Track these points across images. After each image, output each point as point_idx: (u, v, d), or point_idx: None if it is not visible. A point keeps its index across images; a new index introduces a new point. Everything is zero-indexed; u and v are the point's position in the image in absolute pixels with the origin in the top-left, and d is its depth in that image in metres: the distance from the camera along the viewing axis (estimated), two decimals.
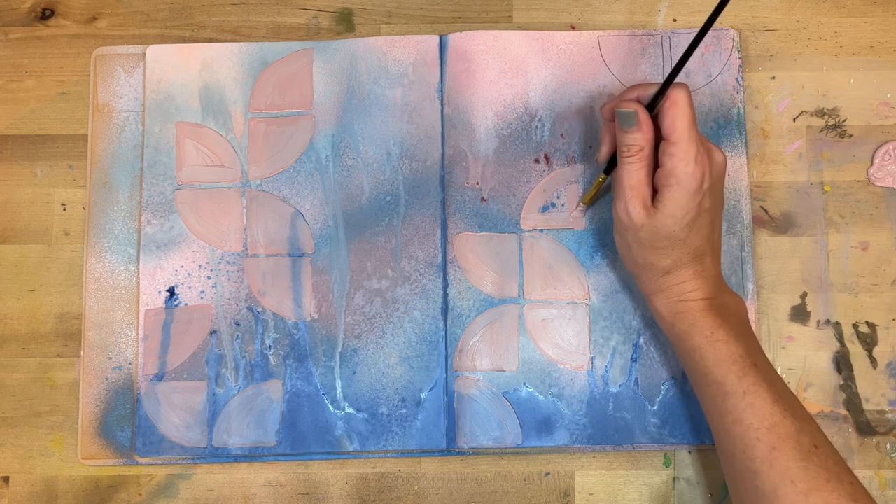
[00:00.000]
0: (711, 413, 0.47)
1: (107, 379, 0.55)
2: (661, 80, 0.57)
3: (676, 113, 0.46)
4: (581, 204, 0.55)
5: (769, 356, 0.55)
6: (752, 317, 0.55)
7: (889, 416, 0.55)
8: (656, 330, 0.55)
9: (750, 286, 0.55)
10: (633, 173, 0.48)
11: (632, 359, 0.54)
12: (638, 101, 0.49)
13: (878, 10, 0.59)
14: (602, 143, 0.52)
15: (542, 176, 0.56)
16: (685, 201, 0.46)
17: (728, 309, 0.49)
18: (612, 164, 0.52)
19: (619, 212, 0.48)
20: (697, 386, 0.49)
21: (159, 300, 0.56)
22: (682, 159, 0.46)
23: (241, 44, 0.58)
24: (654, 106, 0.47)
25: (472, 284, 0.55)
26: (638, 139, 0.47)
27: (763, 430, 0.45)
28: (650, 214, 0.47)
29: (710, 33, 0.57)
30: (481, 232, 0.56)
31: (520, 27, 0.59)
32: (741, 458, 0.45)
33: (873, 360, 0.56)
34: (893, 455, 0.55)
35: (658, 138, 0.48)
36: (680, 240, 0.47)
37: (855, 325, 0.56)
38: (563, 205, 0.56)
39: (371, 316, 0.55)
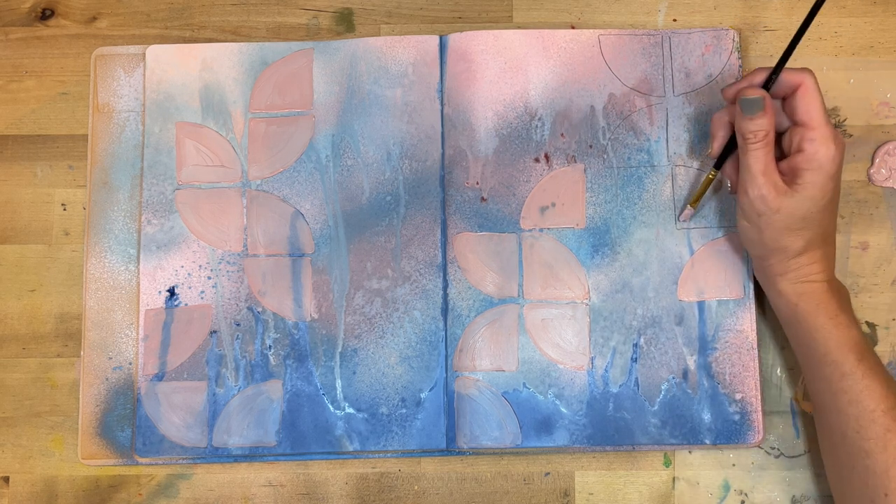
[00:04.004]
0: (824, 392, 0.49)
1: (107, 379, 0.55)
2: (661, 79, 0.57)
3: (811, 99, 0.48)
4: (689, 207, 0.55)
5: (769, 356, 0.55)
6: (752, 316, 0.55)
7: None
8: (656, 330, 0.55)
9: (750, 286, 0.55)
10: (761, 158, 0.48)
11: (632, 359, 0.54)
12: (760, 84, 0.49)
13: (878, 10, 0.59)
14: (714, 137, 0.52)
15: (542, 175, 0.56)
16: (825, 183, 0.48)
17: (842, 292, 0.51)
18: (721, 158, 0.52)
19: (753, 199, 0.48)
20: (814, 367, 0.50)
21: (159, 300, 0.56)
22: (824, 143, 0.47)
23: (241, 44, 0.58)
24: (768, 87, 0.49)
25: (472, 284, 0.55)
26: (764, 124, 0.48)
27: (879, 412, 0.47)
28: (786, 196, 0.48)
29: (711, 33, 0.57)
30: (481, 232, 0.56)
31: (520, 27, 0.59)
32: (854, 437, 0.47)
33: None
34: None
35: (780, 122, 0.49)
36: (816, 221, 0.49)
37: None
38: (563, 204, 0.56)
39: (371, 316, 0.55)
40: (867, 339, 0.49)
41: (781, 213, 0.48)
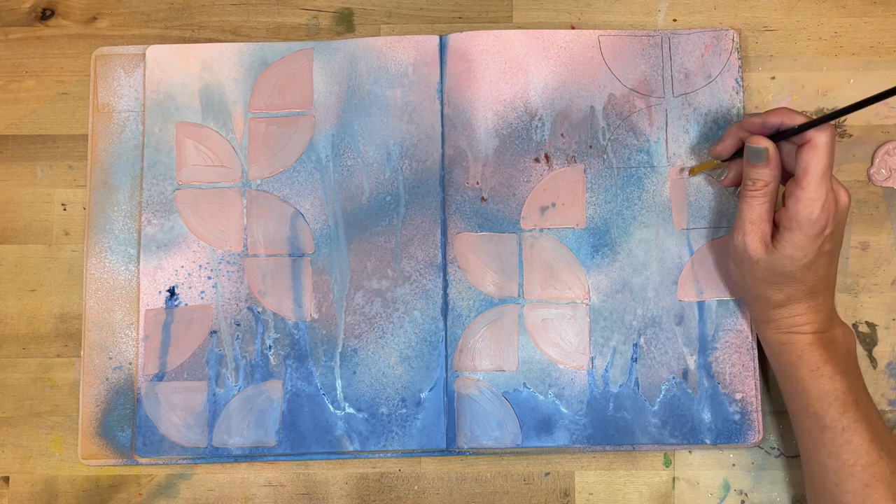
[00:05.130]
0: (807, 443, 0.49)
1: (107, 379, 0.55)
2: (660, 80, 0.57)
3: (813, 157, 0.46)
4: (686, 171, 0.55)
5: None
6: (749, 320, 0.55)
7: (889, 415, 0.55)
8: (656, 330, 0.55)
9: None
10: (755, 207, 0.48)
11: (632, 359, 0.54)
12: (778, 129, 0.48)
13: (878, 10, 0.59)
14: (723, 140, 0.51)
15: (542, 175, 0.56)
16: (805, 245, 0.47)
17: (836, 343, 0.49)
18: (734, 155, 0.52)
19: (737, 244, 0.48)
20: (796, 415, 0.49)
21: (159, 300, 0.56)
22: (808, 206, 0.46)
23: (241, 44, 0.58)
24: (789, 136, 0.47)
25: (472, 284, 0.55)
26: (764, 175, 0.48)
27: (858, 467, 0.46)
28: (768, 251, 0.48)
29: (710, 33, 0.57)
30: (481, 232, 0.56)
31: (520, 27, 0.59)
32: (832, 490, 0.47)
33: (873, 360, 0.56)
34: None
35: (786, 172, 0.48)
36: (796, 279, 0.48)
37: (855, 325, 0.56)
38: (563, 204, 0.56)
39: (371, 316, 0.55)
40: (856, 388, 0.48)
41: (760, 266, 0.48)
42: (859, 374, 0.50)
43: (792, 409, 0.50)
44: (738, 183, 0.53)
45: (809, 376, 0.48)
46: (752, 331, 0.54)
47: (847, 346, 0.50)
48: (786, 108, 0.49)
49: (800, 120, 0.47)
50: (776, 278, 0.48)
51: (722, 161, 0.53)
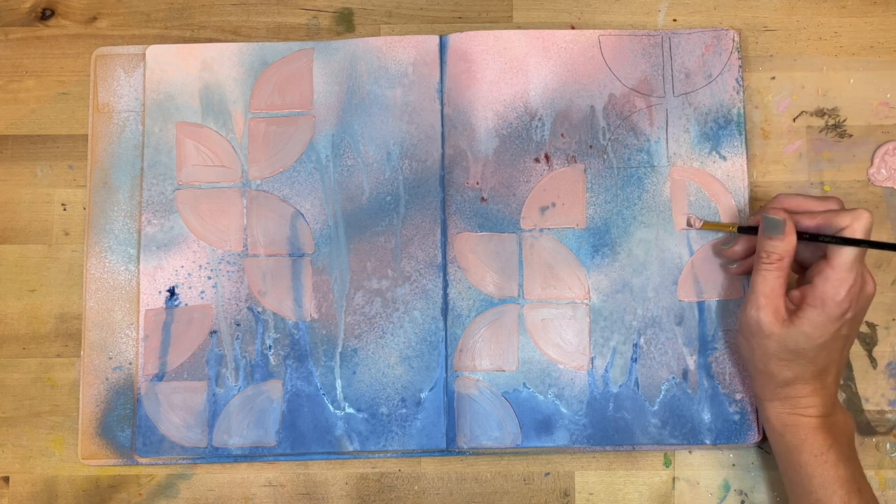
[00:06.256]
0: None
1: (107, 379, 0.55)
2: (661, 79, 0.57)
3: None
4: (699, 220, 0.54)
5: None
6: None
7: (889, 416, 0.55)
8: (656, 330, 0.55)
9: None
10: (769, 281, 0.47)
11: (632, 359, 0.54)
12: (815, 231, 0.48)
13: (878, 10, 0.59)
14: (763, 209, 0.50)
15: (542, 175, 0.56)
16: (824, 325, 0.46)
17: (838, 428, 0.49)
18: (751, 228, 0.51)
19: (749, 318, 0.48)
20: (796, 497, 0.49)
21: (159, 300, 0.56)
22: (835, 287, 0.46)
23: (241, 44, 0.58)
24: (823, 241, 0.47)
25: (472, 284, 0.55)
26: (779, 248, 0.47)
27: None
28: (782, 325, 0.47)
29: (711, 33, 0.57)
30: (481, 232, 0.56)
31: (520, 27, 0.59)
32: None
33: (873, 360, 0.56)
34: (893, 455, 0.55)
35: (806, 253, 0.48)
36: (807, 358, 0.47)
37: None
38: (563, 204, 0.56)
39: (371, 316, 0.55)
40: (858, 475, 0.48)
41: (772, 340, 0.47)
42: (858, 460, 0.49)
43: (793, 493, 0.49)
44: (742, 257, 0.53)
45: (814, 462, 0.47)
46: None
47: (848, 431, 0.50)
48: (827, 211, 0.48)
49: (837, 225, 0.47)
50: (787, 354, 0.47)
51: (740, 229, 0.52)
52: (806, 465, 0.47)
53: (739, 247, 0.52)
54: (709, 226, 0.54)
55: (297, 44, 0.58)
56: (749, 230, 0.51)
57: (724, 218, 0.55)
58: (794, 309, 0.47)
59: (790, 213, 0.48)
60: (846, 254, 0.46)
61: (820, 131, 0.57)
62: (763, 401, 0.50)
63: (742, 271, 0.53)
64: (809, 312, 0.46)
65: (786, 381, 0.48)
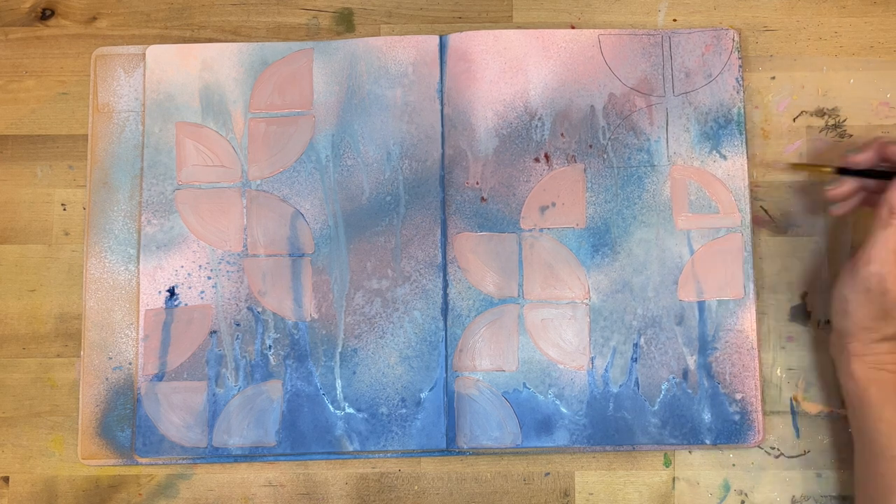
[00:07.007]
0: (877, 488, 0.47)
1: (107, 379, 0.55)
2: (661, 79, 0.57)
3: None
4: (787, 164, 0.53)
5: (769, 356, 0.55)
6: (752, 316, 0.55)
7: None
8: (657, 330, 0.55)
9: (750, 286, 0.55)
10: (893, 238, 0.47)
11: (632, 359, 0.54)
12: None
13: (878, 10, 0.59)
14: (867, 148, 0.49)
15: (542, 175, 0.56)
16: None
17: None
18: (850, 172, 0.50)
19: (871, 275, 0.47)
20: (870, 456, 0.48)
21: (159, 300, 0.56)
22: None
23: (241, 44, 0.58)
24: None
25: (472, 284, 0.55)
26: None
27: None
28: None
29: (711, 33, 0.57)
30: (481, 232, 0.56)
31: (520, 27, 0.59)
32: None
33: None
34: None
35: None
36: None
37: None
38: (563, 204, 0.56)
39: (371, 316, 0.55)
40: None
41: (888, 297, 0.47)
42: None
43: (866, 454, 0.49)
44: (844, 199, 0.52)
45: None
46: (752, 330, 0.54)
47: None
48: None
49: None
50: None
51: (839, 171, 0.51)
52: (888, 420, 0.47)
53: (847, 188, 0.51)
54: (800, 167, 0.52)
55: (297, 44, 0.58)
56: (852, 173, 0.50)
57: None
58: None
59: None
60: None
61: (820, 131, 0.57)
62: (851, 357, 0.49)
63: (845, 211, 0.52)
64: None
65: (885, 336, 0.48)
